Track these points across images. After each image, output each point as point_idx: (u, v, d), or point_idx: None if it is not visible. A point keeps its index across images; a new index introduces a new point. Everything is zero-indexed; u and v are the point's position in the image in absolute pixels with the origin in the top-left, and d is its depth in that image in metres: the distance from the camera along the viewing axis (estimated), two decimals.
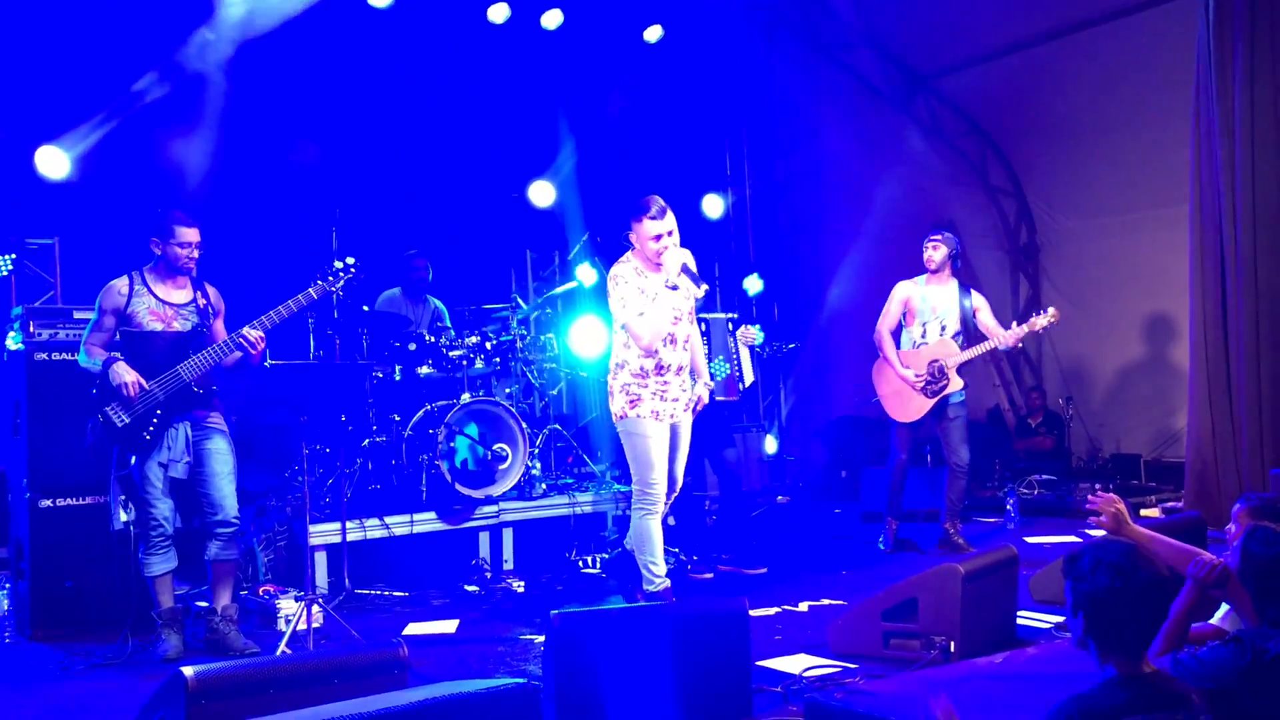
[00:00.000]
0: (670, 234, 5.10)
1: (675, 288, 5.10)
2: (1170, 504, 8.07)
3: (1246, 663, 2.95)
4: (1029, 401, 10.51)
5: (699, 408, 5.54)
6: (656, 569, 5.24)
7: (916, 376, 6.80)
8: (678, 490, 5.51)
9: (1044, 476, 9.14)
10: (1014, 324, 6.85)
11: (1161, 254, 9.39)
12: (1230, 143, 7.03)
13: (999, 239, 11.26)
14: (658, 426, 5.22)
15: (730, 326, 6.92)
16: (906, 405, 6.88)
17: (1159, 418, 9.75)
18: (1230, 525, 3.80)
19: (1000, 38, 9.83)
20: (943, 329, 6.89)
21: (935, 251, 6.95)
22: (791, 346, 8.54)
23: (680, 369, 5.30)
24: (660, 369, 5.21)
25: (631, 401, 5.21)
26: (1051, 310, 6.86)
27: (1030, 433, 10.28)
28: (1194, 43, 7.30)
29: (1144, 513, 8.02)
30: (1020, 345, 7.10)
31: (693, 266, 5.16)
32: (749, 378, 6.92)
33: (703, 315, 6.63)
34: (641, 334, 5.09)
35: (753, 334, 6.94)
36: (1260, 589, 2.99)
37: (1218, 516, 6.87)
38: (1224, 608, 3.60)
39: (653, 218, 5.08)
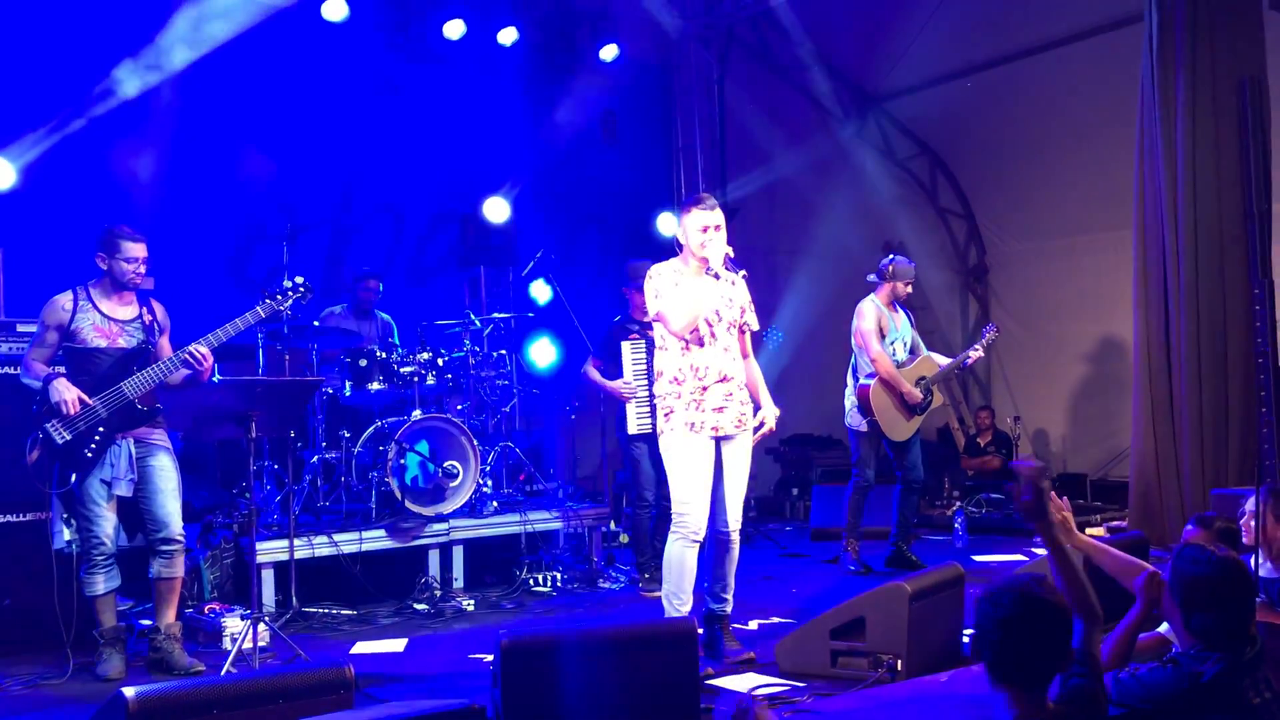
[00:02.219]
0: (718, 228, 4.77)
1: (718, 277, 4.74)
2: (1115, 523, 8.20)
3: (1186, 686, 3.00)
4: (978, 421, 10.63)
5: (762, 433, 5.01)
6: (680, 604, 4.71)
7: (917, 395, 6.90)
8: (735, 526, 4.87)
9: (992, 495, 9.24)
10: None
11: (1107, 276, 9.56)
12: (1172, 170, 7.18)
13: (948, 259, 11.41)
14: (694, 440, 4.73)
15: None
16: (900, 425, 6.94)
17: (1105, 437, 9.91)
18: (1180, 546, 3.86)
19: (951, 61, 9.99)
20: (904, 348, 7.08)
21: (911, 285, 7.20)
22: None
23: (725, 377, 4.80)
24: (696, 370, 4.76)
25: (666, 414, 4.79)
26: (987, 338, 7.40)
27: (979, 452, 10.39)
28: (1139, 69, 7.46)
29: (1089, 531, 8.09)
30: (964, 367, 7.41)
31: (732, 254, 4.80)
32: None
33: None
34: (673, 316, 4.71)
35: None
36: (1185, 600, 3.05)
37: (1160, 535, 7.00)
38: None
39: (704, 208, 4.79)
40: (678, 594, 4.73)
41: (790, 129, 10.36)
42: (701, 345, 4.79)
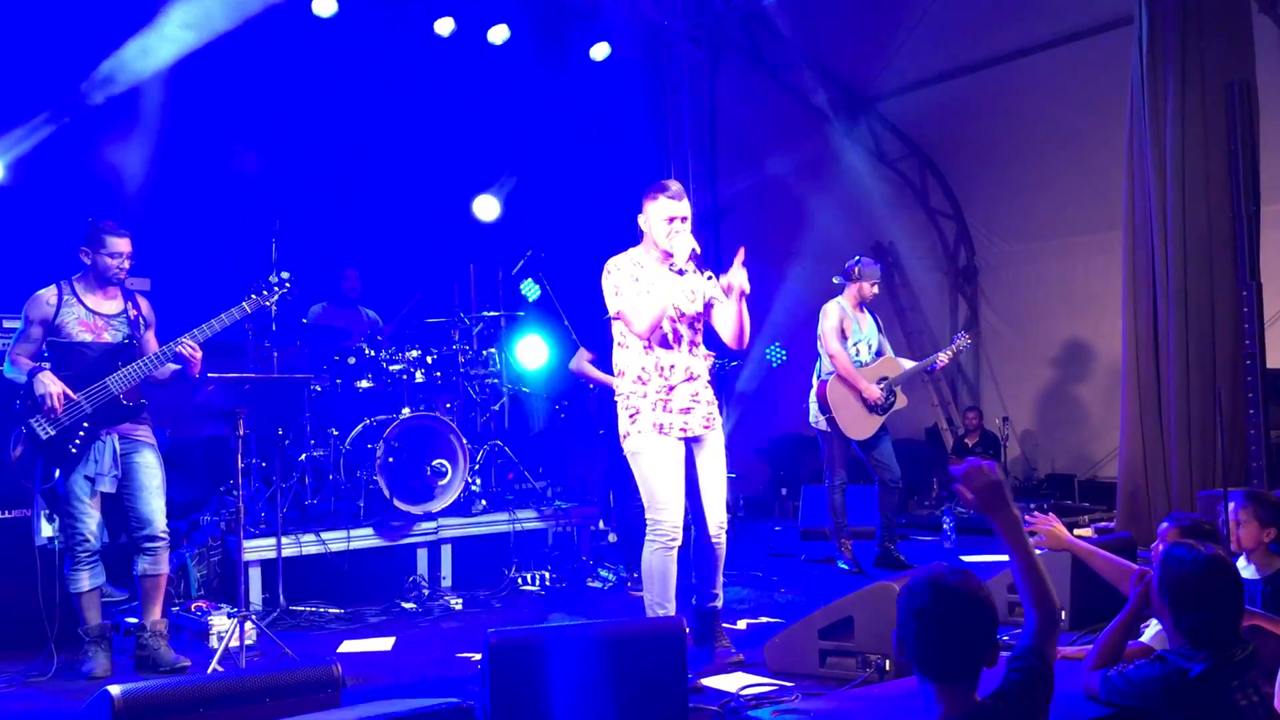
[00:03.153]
0: (684, 220, 4.59)
1: (683, 273, 4.57)
2: (1102, 523, 8.22)
3: (1173, 683, 3.01)
4: (965, 421, 10.65)
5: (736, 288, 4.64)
6: (665, 613, 4.54)
7: (874, 393, 6.90)
8: (720, 526, 4.74)
9: None
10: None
11: (1097, 278, 9.60)
12: (1161, 172, 7.19)
13: (938, 260, 11.44)
14: (661, 442, 4.56)
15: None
16: (860, 423, 6.96)
17: (1093, 438, 9.94)
18: (1156, 544, 3.88)
19: (941, 63, 10.00)
20: (869, 350, 7.10)
21: (878, 286, 7.21)
22: (734, 364, 8.58)
23: (691, 375, 4.66)
24: (662, 370, 4.61)
25: (631, 415, 4.61)
26: (956, 344, 7.45)
27: (967, 452, 10.40)
28: (1129, 71, 7.47)
29: (1077, 532, 8.13)
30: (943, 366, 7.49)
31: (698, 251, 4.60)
32: None
33: None
34: (636, 318, 4.52)
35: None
36: (1175, 600, 3.06)
37: (1148, 536, 6.97)
38: (1154, 626, 3.66)
39: (670, 197, 4.60)
40: (662, 604, 4.57)
41: (781, 129, 10.36)
42: (665, 345, 4.65)
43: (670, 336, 4.66)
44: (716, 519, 4.74)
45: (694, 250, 4.53)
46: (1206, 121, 7.10)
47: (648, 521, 4.60)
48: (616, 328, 4.76)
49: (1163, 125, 7.19)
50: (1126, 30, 7.76)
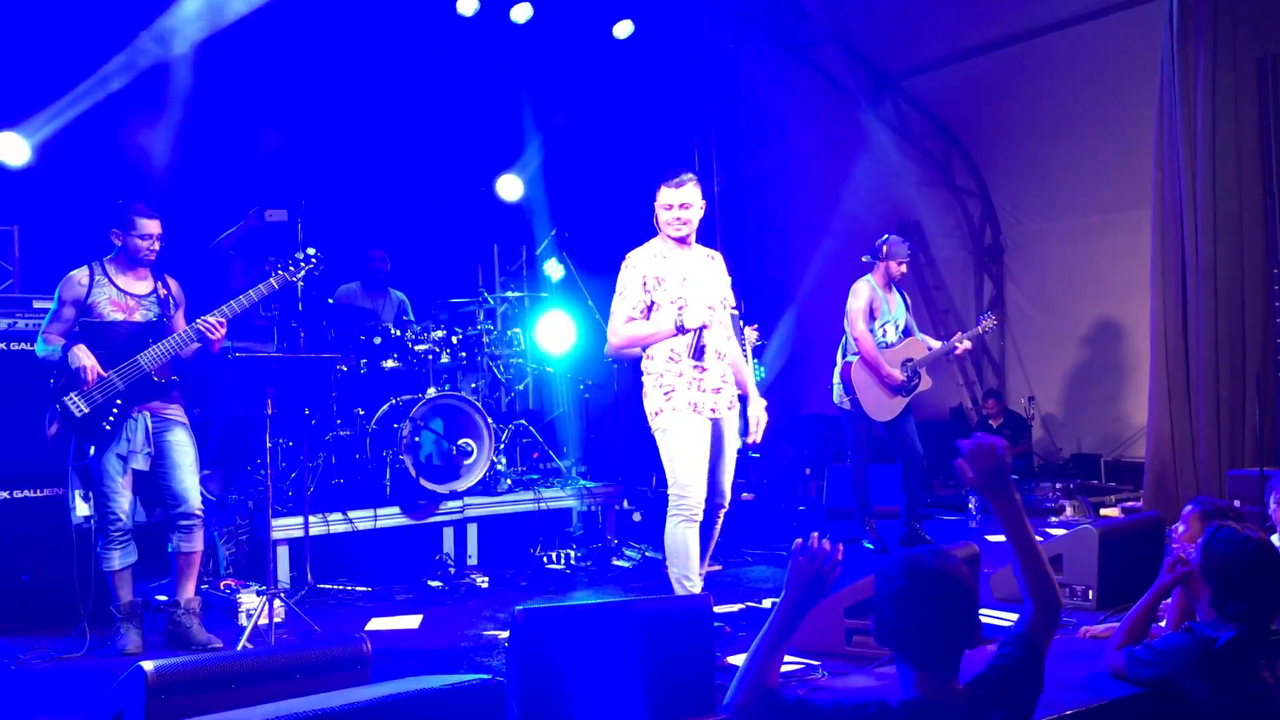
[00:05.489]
0: (684, 206, 4.70)
1: (688, 244, 4.78)
2: (1129, 504, 8.18)
3: (1200, 651, 3.00)
4: (985, 408, 10.62)
5: (752, 439, 4.99)
6: (690, 584, 4.66)
7: (897, 377, 6.87)
8: (726, 503, 4.90)
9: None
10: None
11: (1124, 257, 9.50)
12: (1192, 149, 7.12)
13: (963, 239, 11.35)
14: (696, 421, 4.66)
15: (741, 323, 6.80)
16: (884, 405, 6.93)
17: (1120, 418, 9.86)
18: (1179, 525, 3.86)
19: (967, 40, 9.90)
20: (896, 330, 7.06)
21: (906, 265, 7.13)
22: (759, 344, 8.57)
23: (720, 355, 4.78)
24: (699, 351, 4.67)
25: (667, 393, 4.67)
26: (982, 325, 7.36)
27: (990, 432, 10.36)
28: (1158, 48, 7.39)
29: (1103, 512, 8.11)
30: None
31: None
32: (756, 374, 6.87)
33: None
34: (614, 333, 4.75)
35: (752, 335, 6.93)
36: (1220, 585, 3.04)
37: (1175, 516, 6.91)
38: None
39: (670, 185, 4.69)
40: (686, 575, 4.66)
41: (805, 107, 10.30)
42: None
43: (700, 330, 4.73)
44: (727, 493, 4.86)
45: (704, 324, 4.65)
46: (1238, 97, 7.03)
47: (670, 496, 4.68)
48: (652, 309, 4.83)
49: (1193, 101, 7.12)
50: (1154, 6, 7.67)
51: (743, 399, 4.99)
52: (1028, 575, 2.59)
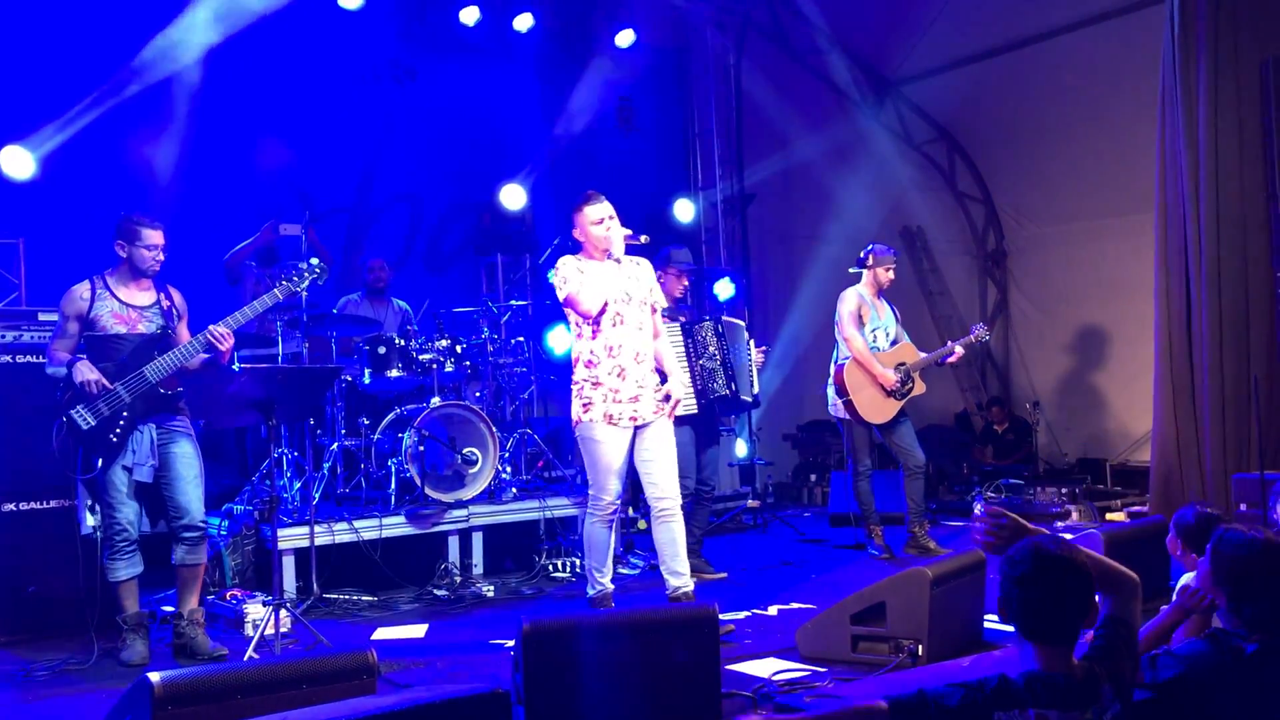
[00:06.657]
0: (611, 217, 5.10)
1: (619, 261, 5.08)
2: (1135, 508, 8.16)
3: (1226, 660, 2.95)
4: (990, 415, 10.62)
5: (672, 410, 5.14)
6: (600, 575, 5.16)
7: (890, 379, 6.86)
8: (674, 503, 5.10)
9: (1011, 480, 9.21)
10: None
11: (1127, 260, 9.50)
12: (1194, 151, 7.12)
13: (967, 244, 11.37)
14: (611, 432, 5.00)
15: (747, 335, 6.83)
16: (878, 407, 6.93)
17: (1125, 422, 9.86)
18: (1172, 536, 3.80)
19: (968, 45, 9.93)
20: (886, 337, 7.08)
21: (894, 271, 7.18)
22: (763, 350, 8.58)
23: (639, 357, 5.05)
24: (611, 350, 5.00)
25: (584, 405, 5.03)
26: (975, 334, 7.37)
27: (995, 438, 10.38)
28: (1159, 50, 7.39)
29: (1109, 516, 8.11)
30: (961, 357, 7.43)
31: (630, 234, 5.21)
32: (755, 387, 6.86)
33: (724, 319, 6.69)
34: (583, 296, 4.97)
35: (759, 357, 6.92)
36: (1235, 591, 2.97)
37: None
38: None
39: (594, 204, 5.11)
40: (599, 567, 5.15)
41: (807, 114, 10.31)
42: (614, 326, 5.04)
43: (616, 320, 5.04)
44: (671, 489, 5.11)
45: (626, 235, 5.09)
46: (1240, 100, 7.03)
47: (589, 497, 5.15)
48: (571, 316, 5.16)
49: (1195, 105, 7.12)
50: (1155, 10, 7.68)
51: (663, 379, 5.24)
52: (1099, 582, 2.74)
